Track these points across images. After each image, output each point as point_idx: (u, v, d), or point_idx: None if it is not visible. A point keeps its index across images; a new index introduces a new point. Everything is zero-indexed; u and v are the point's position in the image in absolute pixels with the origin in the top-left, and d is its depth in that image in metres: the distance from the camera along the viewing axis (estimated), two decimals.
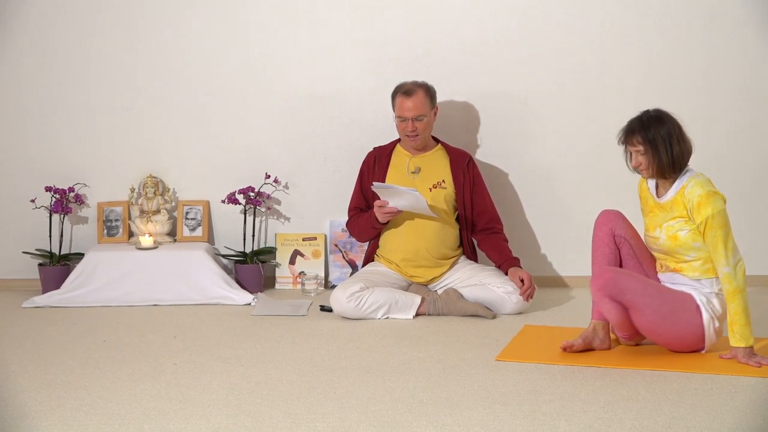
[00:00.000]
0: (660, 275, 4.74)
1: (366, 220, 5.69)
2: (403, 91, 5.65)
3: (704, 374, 4.32)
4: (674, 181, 4.60)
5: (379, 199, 5.54)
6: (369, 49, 6.19)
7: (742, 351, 4.46)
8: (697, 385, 4.16)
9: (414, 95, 5.61)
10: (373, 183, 5.54)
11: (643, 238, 4.81)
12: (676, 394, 4.06)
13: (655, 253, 4.75)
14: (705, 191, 4.52)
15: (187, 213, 6.29)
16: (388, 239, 5.71)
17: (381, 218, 5.57)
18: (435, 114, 5.74)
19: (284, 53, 6.23)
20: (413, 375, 4.35)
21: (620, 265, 4.73)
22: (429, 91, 5.69)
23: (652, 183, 4.71)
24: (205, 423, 3.77)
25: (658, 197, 4.67)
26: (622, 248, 4.75)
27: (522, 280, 5.49)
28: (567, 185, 6.23)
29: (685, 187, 4.57)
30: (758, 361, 4.41)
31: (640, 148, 4.55)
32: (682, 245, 4.60)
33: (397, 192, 5.47)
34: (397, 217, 5.62)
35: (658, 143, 4.52)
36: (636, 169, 4.63)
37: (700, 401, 3.96)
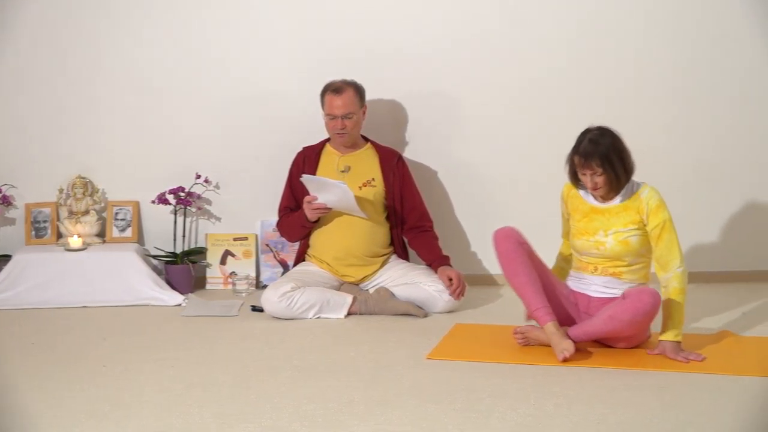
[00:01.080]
0: (592, 276, 4.79)
1: (296, 220, 5.68)
2: (332, 89, 5.65)
3: (633, 370, 4.37)
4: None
5: (308, 195, 5.54)
6: (299, 48, 6.18)
7: (672, 346, 4.53)
8: (627, 381, 4.20)
9: (343, 93, 5.62)
10: (302, 175, 5.52)
11: (571, 242, 4.86)
12: (607, 390, 4.10)
13: (589, 258, 4.78)
14: (659, 197, 4.67)
15: (116, 213, 6.24)
16: (318, 238, 5.70)
17: (310, 215, 5.56)
18: (364, 113, 5.75)
19: (214, 53, 6.20)
20: (345, 374, 4.36)
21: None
22: (358, 90, 5.69)
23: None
24: (135, 425, 3.74)
25: (602, 202, 4.73)
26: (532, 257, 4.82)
27: (451, 279, 5.52)
28: (496, 183, 6.25)
29: (640, 194, 4.68)
30: (686, 356, 4.49)
31: (599, 170, 4.60)
32: (632, 251, 4.68)
33: (325, 185, 5.46)
34: (328, 216, 5.62)
35: (614, 162, 4.59)
36: (593, 191, 4.68)
37: (629, 397, 4.01)
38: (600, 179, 4.61)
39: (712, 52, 6.13)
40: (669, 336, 4.56)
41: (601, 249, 4.71)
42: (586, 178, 4.65)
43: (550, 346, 4.60)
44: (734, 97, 6.18)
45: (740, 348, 4.70)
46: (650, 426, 3.66)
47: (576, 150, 4.65)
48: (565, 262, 5.06)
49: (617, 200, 4.69)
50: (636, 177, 4.71)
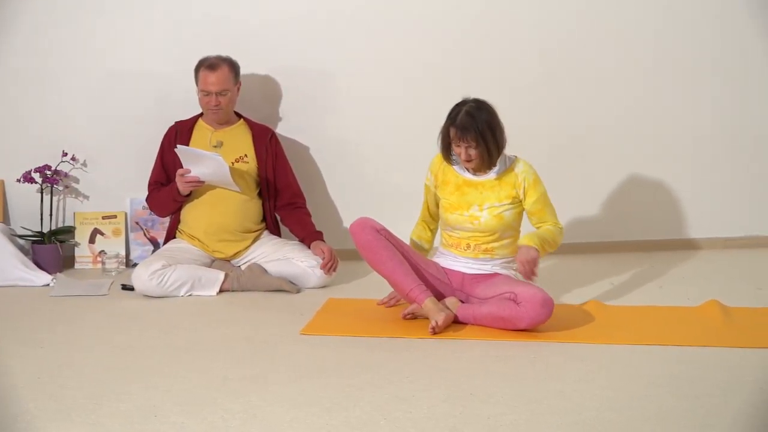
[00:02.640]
0: (463, 257, 4.83)
1: (167, 193, 5.61)
2: (206, 65, 5.59)
3: (505, 341, 4.42)
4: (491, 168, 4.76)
5: (181, 167, 5.48)
6: (170, 23, 6.11)
7: (529, 250, 4.60)
8: (499, 353, 4.25)
9: (218, 69, 5.57)
10: (177, 146, 5.46)
11: (443, 217, 4.89)
12: (479, 362, 4.15)
13: (462, 232, 4.81)
14: (534, 172, 4.76)
15: None
16: (189, 213, 5.65)
17: (182, 188, 5.50)
18: (238, 89, 5.71)
19: (83, 29, 6.09)
20: (218, 352, 4.33)
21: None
22: (233, 66, 5.65)
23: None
24: (4, 409, 3.66)
25: (475, 175, 4.75)
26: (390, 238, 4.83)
27: (324, 253, 5.52)
28: (368, 159, 6.28)
29: (515, 168, 4.75)
30: (531, 269, 4.59)
31: (473, 143, 4.62)
32: (505, 224, 4.74)
33: (199, 157, 5.41)
34: (199, 191, 5.57)
35: (488, 137, 4.61)
36: (466, 163, 4.70)
37: (501, 368, 4.06)
38: (474, 152, 4.64)
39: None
40: (529, 240, 4.64)
41: (475, 223, 4.74)
42: (460, 150, 4.67)
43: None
44: (608, 72, 6.31)
45: (608, 317, 4.79)
46: (523, 395, 3.71)
47: (453, 122, 4.64)
48: (419, 249, 5.08)
49: (492, 174, 4.73)
50: (511, 150, 4.77)
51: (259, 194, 5.74)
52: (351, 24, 6.17)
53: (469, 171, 4.77)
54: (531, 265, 4.59)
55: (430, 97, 6.11)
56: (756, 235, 6.49)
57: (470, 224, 4.75)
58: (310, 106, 6.23)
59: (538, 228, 4.78)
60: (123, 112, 6.15)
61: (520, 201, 4.74)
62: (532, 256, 4.60)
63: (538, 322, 4.50)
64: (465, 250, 4.82)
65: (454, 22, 6.19)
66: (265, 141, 5.73)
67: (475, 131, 4.58)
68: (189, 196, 5.61)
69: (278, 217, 5.84)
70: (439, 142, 4.76)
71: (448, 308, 4.66)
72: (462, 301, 4.78)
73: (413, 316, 4.77)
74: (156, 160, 5.78)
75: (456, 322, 4.67)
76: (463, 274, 4.84)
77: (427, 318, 4.63)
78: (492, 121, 4.64)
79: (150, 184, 5.77)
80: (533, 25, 6.22)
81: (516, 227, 4.81)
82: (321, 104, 6.24)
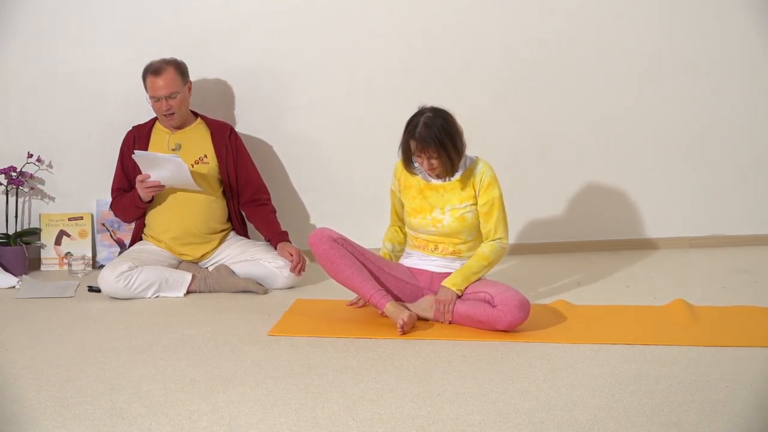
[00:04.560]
0: (431, 256, 4.84)
1: (129, 200, 5.59)
2: (152, 70, 5.55)
3: (472, 341, 4.44)
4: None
5: (140, 173, 5.46)
6: (132, 24, 6.08)
7: (448, 293, 4.64)
8: (465, 353, 4.27)
9: (164, 73, 5.53)
10: (134, 152, 5.44)
11: (407, 221, 4.89)
12: (445, 361, 4.15)
13: (426, 236, 4.82)
14: (492, 174, 4.75)
15: None
16: (154, 218, 5.63)
17: (144, 194, 5.48)
18: (189, 89, 5.67)
19: (44, 28, 6.06)
20: (185, 353, 4.32)
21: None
22: (179, 67, 5.60)
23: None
24: None
25: (438, 179, 4.76)
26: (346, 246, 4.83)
27: (292, 256, 5.52)
28: (333, 156, 6.28)
29: (474, 168, 4.75)
30: (446, 311, 4.64)
31: (434, 154, 4.62)
32: (468, 226, 4.74)
33: (157, 161, 5.38)
34: (162, 194, 5.55)
35: (447, 145, 4.61)
36: (428, 170, 4.71)
37: (468, 367, 4.07)
38: (436, 161, 4.64)
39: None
40: (452, 282, 4.67)
41: (438, 226, 4.75)
42: (422, 161, 4.68)
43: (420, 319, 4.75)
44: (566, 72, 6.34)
45: (575, 317, 4.81)
46: (488, 396, 3.72)
47: (411, 134, 4.63)
48: (393, 252, 5.07)
49: (456, 175, 4.74)
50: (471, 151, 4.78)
51: (224, 194, 5.72)
52: (313, 23, 6.16)
53: (432, 177, 4.78)
54: (444, 305, 4.66)
55: (392, 96, 6.14)
56: (720, 234, 6.53)
57: (433, 227, 4.76)
58: (270, 105, 6.21)
59: (485, 238, 4.79)
60: (88, 114, 6.12)
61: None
62: (448, 299, 4.65)
63: (516, 325, 4.52)
64: (432, 251, 4.83)
65: (416, 22, 6.20)
66: (225, 138, 5.71)
67: (434, 142, 4.57)
68: (152, 202, 5.59)
69: (244, 215, 5.82)
70: (400, 153, 4.76)
71: (407, 308, 4.70)
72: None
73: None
74: (117, 167, 5.75)
75: (422, 320, 4.71)
76: (432, 272, 4.85)
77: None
78: (450, 129, 4.62)
79: (113, 191, 5.74)
80: (497, 25, 6.23)
81: (479, 228, 4.81)
82: (280, 103, 6.22)
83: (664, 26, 6.34)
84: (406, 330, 4.54)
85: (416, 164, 4.77)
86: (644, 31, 6.33)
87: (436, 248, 4.82)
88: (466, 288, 4.69)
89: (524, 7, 6.23)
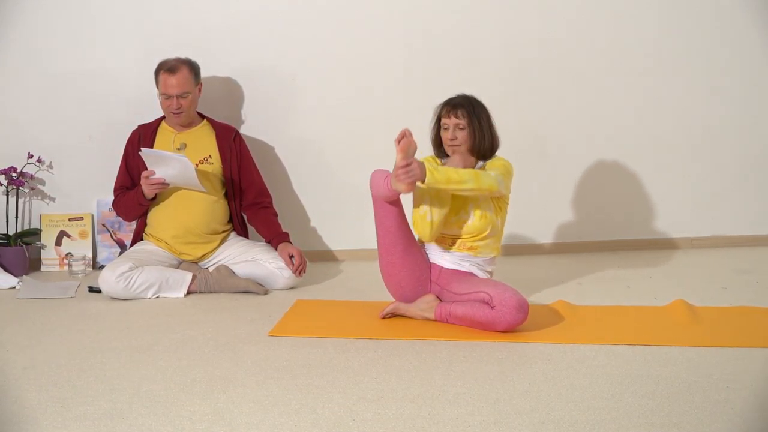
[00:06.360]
0: (447, 252, 4.84)
1: (132, 197, 5.59)
2: (166, 68, 5.57)
3: (472, 341, 4.43)
4: (475, 164, 4.78)
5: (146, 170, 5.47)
6: (133, 24, 6.09)
7: (422, 168, 4.42)
8: (466, 353, 4.26)
9: (178, 72, 5.55)
10: (141, 149, 5.44)
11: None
12: (446, 362, 4.15)
13: (446, 233, 4.81)
14: (504, 161, 4.76)
15: None
16: (156, 217, 5.63)
17: (147, 191, 5.48)
18: (199, 90, 5.69)
19: (47, 28, 6.07)
20: (186, 353, 4.32)
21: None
22: (193, 68, 5.63)
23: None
24: None
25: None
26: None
27: (292, 257, 5.52)
28: (334, 158, 6.28)
29: (488, 164, 4.76)
30: (410, 177, 4.42)
31: (462, 122, 4.64)
32: (491, 221, 4.74)
33: (164, 159, 5.39)
34: (165, 193, 5.55)
35: (483, 123, 4.64)
36: (450, 143, 4.71)
37: (469, 368, 4.07)
38: (460, 134, 4.66)
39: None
40: (431, 169, 4.45)
41: (466, 225, 4.75)
42: (448, 129, 4.70)
43: (414, 318, 4.79)
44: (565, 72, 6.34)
45: (575, 317, 4.81)
46: (490, 396, 3.72)
47: (443, 104, 4.73)
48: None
49: (477, 165, 4.75)
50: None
51: (225, 195, 5.72)
52: (313, 23, 6.17)
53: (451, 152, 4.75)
54: (407, 171, 4.40)
55: (392, 97, 6.14)
56: (721, 234, 6.53)
57: (458, 228, 4.77)
58: (273, 107, 6.22)
59: None
60: (89, 115, 6.13)
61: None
62: (417, 171, 4.41)
63: (515, 326, 4.52)
64: (450, 245, 4.83)
65: (416, 22, 6.21)
66: (229, 141, 5.72)
67: (466, 108, 4.65)
68: (155, 200, 5.59)
69: (245, 217, 5.83)
70: (431, 130, 4.81)
71: (407, 309, 4.79)
72: (439, 299, 4.79)
73: (392, 316, 4.80)
74: (120, 165, 5.76)
75: (425, 320, 4.73)
76: (441, 267, 4.84)
77: (405, 317, 4.78)
78: (483, 107, 4.73)
79: (115, 189, 5.74)
80: (497, 25, 6.24)
81: (501, 224, 4.82)
82: (283, 105, 6.23)
83: (664, 26, 6.35)
84: (386, 316, 4.71)
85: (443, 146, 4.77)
86: (644, 31, 6.33)
87: (453, 243, 4.82)
88: (434, 181, 4.45)
89: (524, 7, 6.24)
